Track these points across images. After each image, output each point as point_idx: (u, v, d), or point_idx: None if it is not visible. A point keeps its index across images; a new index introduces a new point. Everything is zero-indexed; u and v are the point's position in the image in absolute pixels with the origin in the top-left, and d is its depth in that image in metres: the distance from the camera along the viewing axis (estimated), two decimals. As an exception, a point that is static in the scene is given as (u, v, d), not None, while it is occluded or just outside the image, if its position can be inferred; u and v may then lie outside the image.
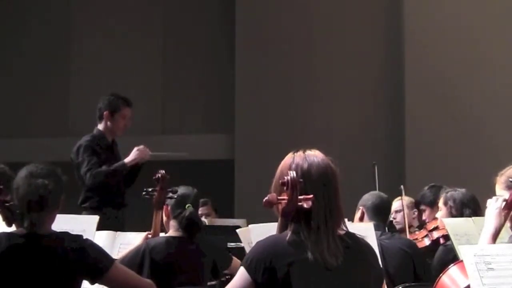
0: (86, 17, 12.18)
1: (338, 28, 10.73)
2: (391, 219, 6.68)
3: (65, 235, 3.69)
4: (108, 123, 6.88)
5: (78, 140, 6.91)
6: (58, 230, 3.71)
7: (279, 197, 2.99)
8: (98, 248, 3.75)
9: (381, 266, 3.17)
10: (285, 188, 2.96)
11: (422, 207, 6.53)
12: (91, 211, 6.50)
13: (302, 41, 10.80)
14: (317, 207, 2.96)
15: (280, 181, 2.99)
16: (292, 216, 2.98)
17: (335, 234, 2.98)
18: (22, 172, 3.69)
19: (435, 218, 6.11)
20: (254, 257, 2.94)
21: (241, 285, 2.94)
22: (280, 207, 3.00)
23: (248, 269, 2.93)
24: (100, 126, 6.91)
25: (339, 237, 2.99)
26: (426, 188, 6.54)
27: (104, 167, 6.70)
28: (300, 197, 2.95)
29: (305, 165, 3.03)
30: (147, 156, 6.88)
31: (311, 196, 2.95)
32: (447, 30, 10.08)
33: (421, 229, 6.33)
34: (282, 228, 3.02)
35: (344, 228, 3.05)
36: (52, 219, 3.70)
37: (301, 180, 2.97)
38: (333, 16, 10.79)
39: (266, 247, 2.96)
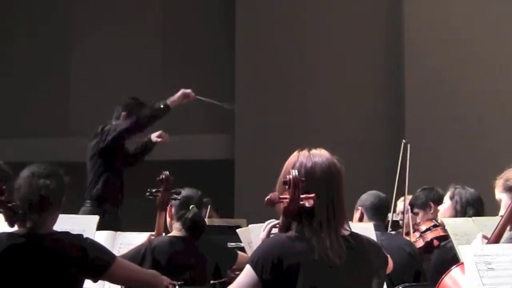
0: (86, 17, 12.18)
1: (339, 28, 10.73)
2: (397, 219, 6.67)
3: (65, 234, 3.69)
4: None
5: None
6: (58, 230, 3.72)
7: (281, 196, 2.99)
8: (99, 246, 3.76)
9: (387, 255, 3.16)
10: (287, 187, 2.96)
11: (415, 210, 6.53)
12: (93, 202, 6.58)
13: (302, 41, 10.80)
14: (320, 206, 2.96)
15: (282, 180, 2.99)
16: (294, 215, 2.98)
17: (338, 233, 2.98)
18: (24, 172, 3.69)
19: (428, 220, 6.12)
20: (261, 256, 2.93)
21: (247, 283, 2.92)
22: (282, 206, 3.00)
23: (255, 267, 2.92)
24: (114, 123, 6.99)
25: (343, 237, 2.99)
26: (418, 190, 6.55)
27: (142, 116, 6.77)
28: (302, 196, 2.95)
29: (309, 164, 3.03)
30: (192, 96, 7.13)
31: (312, 195, 2.95)
32: (447, 31, 10.08)
33: (414, 231, 6.33)
34: (284, 228, 3.02)
35: (348, 229, 3.04)
36: (53, 219, 3.71)
37: (303, 179, 2.97)
38: (334, 15, 10.79)
39: (274, 246, 2.95)
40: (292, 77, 10.76)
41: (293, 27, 10.84)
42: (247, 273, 2.94)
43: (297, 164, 3.03)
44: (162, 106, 6.88)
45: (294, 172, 2.97)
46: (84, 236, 3.75)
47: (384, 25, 10.65)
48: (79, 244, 3.66)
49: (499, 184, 4.50)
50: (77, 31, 12.20)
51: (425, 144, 9.87)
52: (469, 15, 10.04)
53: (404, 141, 7.09)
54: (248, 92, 11.05)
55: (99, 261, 3.66)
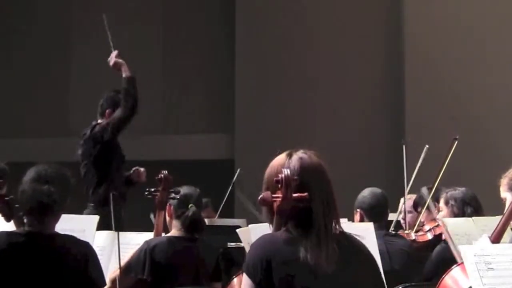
0: (86, 17, 12.18)
1: (339, 28, 10.73)
2: (399, 219, 6.65)
3: (70, 238, 3.69)
4: None
5: (79, 140, 6.89)
6: (59, 230, 3.70)
7: (273, 195, 2.99)
8: (99, 265, 3.74)
9: (380, 266, 3.16)
10: (279, 186, 2.97)
11: (420, 208, 6.52)
12: (96, 204, 6.53)
13: (302, 41, 10.79)
14: (314, 206, 2.97)
15: (275, 179, 2.99)
16: (288, 215, 2.98)
17: (331, 232, 2.97)
18: (30, 173, 3.66)
19: (433, 220, 6.11)
20: (251, 260, 2.95)
21: None
22: (275, 205, 3.00)
23: (248, 273, 2.94)
24: (101, 122, 6.88)
25: (335, 236, 2.98)
26: (423, 189, 6.53)
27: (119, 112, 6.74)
28: (294, 195, 2.96)
29: (299, 165, 3.03)
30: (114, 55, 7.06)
31: (305, 194, 2.96)
32: (447, 30, 10.08)
33: (417, 231, 6.31)
34: (277, 227, 3.03)
35: (338, 228, 3.04)
36: (55, 220, 3.69)
37: (295, 177, 2.98)
38: (334, 15, 10.79)
39: (261, 247, 2.96)
40: (292, 77, 10.76)
41: (293, 27, 10.83)
42: (244, 281, 2.95)
43: (287, 165, 3.03)
44: (125, 79, 6.89)
45: (286, 171, 2.98)
46: (91, 246, 3.73)
47: (384, 24, 10.65)
48: (83, 250, 3.64)
49: (504, 183, 4.51)
50: (77, 31, 12.20)
51: (425, 144, 9.86)
52: (469, 15, 10.03)
53: (427, 146, 7.06)
54: (248, 92, 11.04)
55: (93, 279, 3.62)
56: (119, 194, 6.77)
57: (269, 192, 3.01)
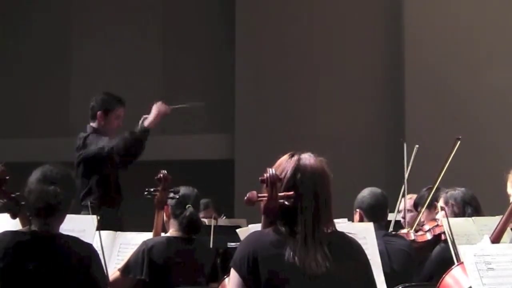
0: (86, 18, 12.18)
1: (339, 28, 10.73)
2: (399, 218, 6.64)
3: (74, 239, 3.70)
4: (102, 122, 6.80)
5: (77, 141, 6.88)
6: (66, 233, 3.72)
7: (259, 195, 3.00)
8: (102, 266, 3.76)
9: (380, 266, 3.15)
10: (265, 185, 2.96)
11: (420, 208, 6.52)
12: (91, 210, 6.47)
13: (302, 41, 10.80)
14: (302, 206, 2.96)
15: (260, 178, 2.99)
16: (275, 214, 2.98)
17: (320, 232, 2.97)
18: (36, 174, 3.68)
19: (433, 219, 6.10)
20: (238, 255, 2.97)
21: (234, 285, 2.95)
22: (262, 204, 3.01)
23: (235, 268, 2.95)
24: (94, 125, 6.84)
25: (325, 236, 2.98)
26: (424, 189, 6.53)
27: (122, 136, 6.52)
28: (280, 194, 2.95)
29: (297, 167, 3.03)
30: (168, 110, 6.76)
31: (291, 193, 2.97)
32: (447, 30, 10.08)
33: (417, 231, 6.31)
34: (264, 225, 3.04)
35: (331, 228, 3.03)
36: (60, 221, 3.71)
37: (281, 177, 2.97)
38: (334, 15, 10.79)
39: (249, 243, 2.98)
40: (292, 77, 10.76)
41: (293, 27, 10.84)
42: (232, 276, 2.97)
43: (284, 165, 3.04)
44: (141, 129, 6.59)
45: (271, 170, 2.99)
46: (93, 247, 3.74)
47: (384, 24, 10.65)
48: (86, 252, 3.65)
49: (511, 178, 4.52)
50: (77, 31, 12.20)
51: (425, 144, 9.85)
52: (469, 15, 10.03)
53: (417, 146, 7.07)
54: (248, 92, 11.04)
55: (96, 280, 3.63)
56: (115, 197, 6.76)
57: (255, 192, 3.01)
